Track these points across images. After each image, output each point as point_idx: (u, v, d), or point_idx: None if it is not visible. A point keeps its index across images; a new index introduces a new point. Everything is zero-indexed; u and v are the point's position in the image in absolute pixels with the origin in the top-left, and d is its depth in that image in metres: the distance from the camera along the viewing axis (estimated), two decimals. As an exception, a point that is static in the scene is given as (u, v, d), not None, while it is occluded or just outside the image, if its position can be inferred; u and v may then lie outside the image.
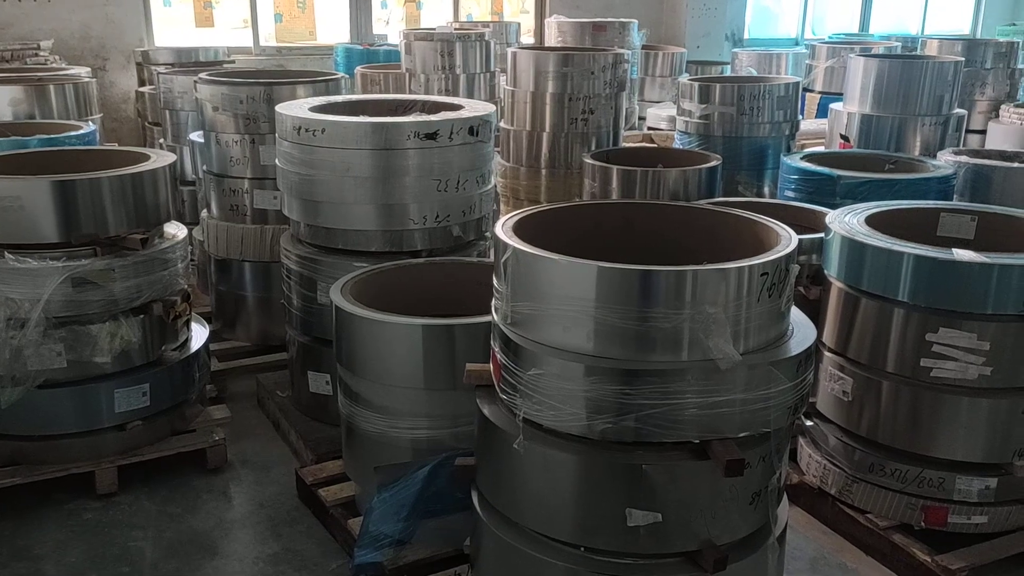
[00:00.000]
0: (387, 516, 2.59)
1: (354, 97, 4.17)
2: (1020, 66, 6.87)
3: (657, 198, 4.40)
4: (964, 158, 5.00)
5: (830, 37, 10.36)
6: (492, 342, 2.17)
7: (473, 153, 3.50)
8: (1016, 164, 4.92)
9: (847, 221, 3.13)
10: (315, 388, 3.57)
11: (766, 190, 5.30)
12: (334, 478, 3.18)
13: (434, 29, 7.33)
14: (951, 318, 2.78)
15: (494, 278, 2.14)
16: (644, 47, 8.32)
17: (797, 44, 10.94)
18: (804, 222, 4.05)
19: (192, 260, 5.19)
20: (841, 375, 3.06)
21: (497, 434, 2.11)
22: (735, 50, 8.65)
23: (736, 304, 1.92)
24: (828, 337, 3.14)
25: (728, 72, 8.74)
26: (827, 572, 2.98)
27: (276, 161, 3.56)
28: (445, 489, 2.54)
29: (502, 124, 5.34)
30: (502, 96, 5.50)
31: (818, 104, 7.74)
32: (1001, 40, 6.79)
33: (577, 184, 4.85)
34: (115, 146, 4.97)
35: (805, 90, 7.80)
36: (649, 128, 7.22)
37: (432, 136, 3.34)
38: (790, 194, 4.64)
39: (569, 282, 1.92)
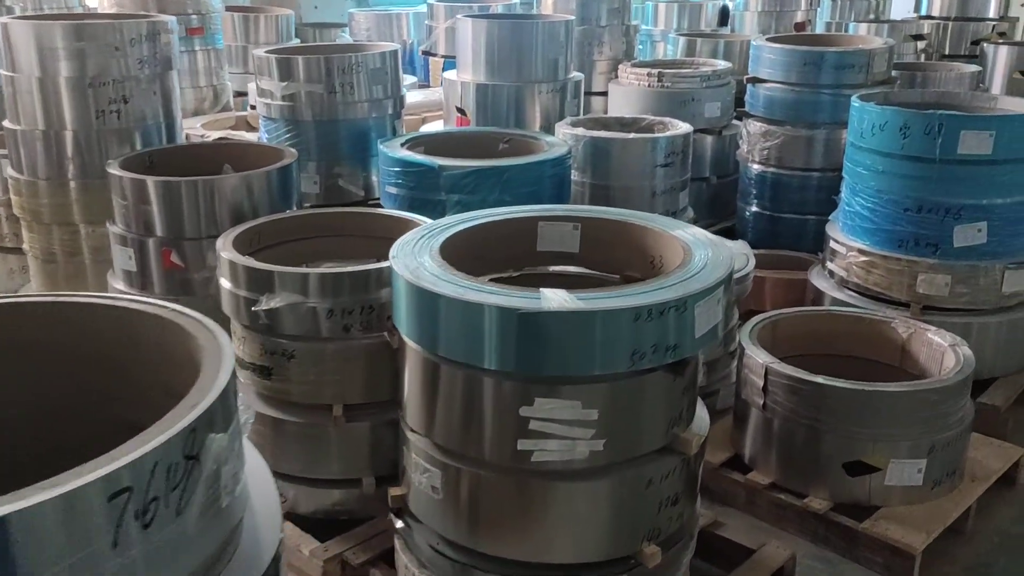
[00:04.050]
0: None
1: None
2: (634, 22, 6.64)
3: (213, 216, 3.32)
4: (581, 130, 4.49)
5: (458, -6, 9.74)
6: None
7: None
8: (632, 134, 4.51)
9: (416, 255, 2.29)
10: None
11: (374, 181, 4.44)
12: None
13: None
14: (548, 385, 2.05)
15: None
16: (243, 9, 7.10)
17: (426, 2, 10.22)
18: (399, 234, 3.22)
19: None
20: (428, 466, 2.25)
21: None
22: (351, 11, 7.70)
23: None
24: (411, 415, 2.31)
25: (347, 37, 7.78)
26: None
27: None
28: None
29: (6, 123, 3.93)
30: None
31: (442, 69, 7.06)
32: (614, -5, 6.50)
33: (116, 199, 3.63)
34: None
35: (428, 54, 7.07)
36: (252, 107, 6.05)
37: None
38: (392, 190, 3.81)
39: None
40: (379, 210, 3.36)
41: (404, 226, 3.13)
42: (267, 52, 4.34)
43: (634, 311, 1.96)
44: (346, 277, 2.64)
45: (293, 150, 3.71)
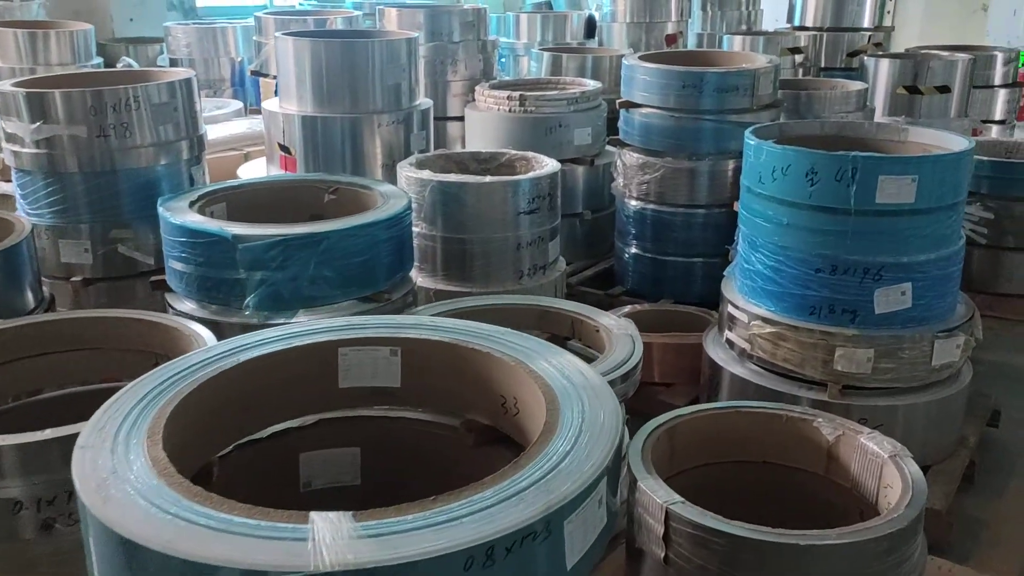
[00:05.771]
0: None
1: None
2: (491, 37, 5.90)
3: None
4: (427, 173, 3.69)
5: (301, 4, 8.80)
6: None
7: None
8: (489, 177, 3.75)
9: (122, 445, 1.42)
10: None
11: (167, 246, 3.50)
12: None
13: None
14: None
15: None
16: (26, 24, 5.95)
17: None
18: (162, 348, 2.33)
19: None
20: None
21: None
22: (167, 24, 6.64)
23: None
24: None
25: (165, 56, 6.72)
26: None
27: None
28: None
29: None
30: None
31: (275, 93, 6.12)
32: (467, 7, 5.74)
33: None
34: None
35: (257, 75, 6.11)
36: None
37: None
38: (178, 267, 2.95)
39: None
40: (133, 313, 2.44)
41: (167, 337, 2.26)
42: (13, 85, 3.35)
43: (465, 555, 1.17)
44: (44, 449, 1.74)
45: (25, 222, 2.77)
